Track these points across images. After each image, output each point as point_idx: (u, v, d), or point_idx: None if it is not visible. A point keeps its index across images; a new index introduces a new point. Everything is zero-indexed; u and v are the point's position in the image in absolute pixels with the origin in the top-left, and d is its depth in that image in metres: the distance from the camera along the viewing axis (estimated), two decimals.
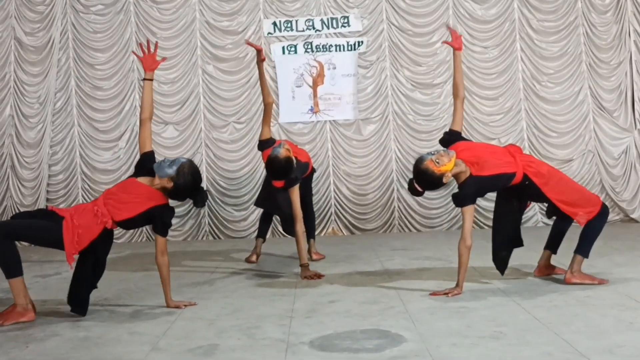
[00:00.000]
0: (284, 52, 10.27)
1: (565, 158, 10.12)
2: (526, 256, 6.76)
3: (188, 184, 5.56)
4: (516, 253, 6.26)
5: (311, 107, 10.26)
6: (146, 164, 5.68)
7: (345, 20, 10.23)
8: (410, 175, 5.96)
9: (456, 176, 5.77)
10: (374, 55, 10.27)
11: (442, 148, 5.89)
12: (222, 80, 10.31)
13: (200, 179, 5.77)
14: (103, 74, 10.30)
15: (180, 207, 10.12)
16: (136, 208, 5.49)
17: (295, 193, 6.99)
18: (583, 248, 5.99)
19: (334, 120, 10.27)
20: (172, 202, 5.70)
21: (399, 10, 10.22)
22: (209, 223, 10.24)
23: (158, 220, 5.56)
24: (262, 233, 8.03)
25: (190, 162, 5.66)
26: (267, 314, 5.35)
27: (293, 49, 10.25)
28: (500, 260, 6.14)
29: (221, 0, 10.31)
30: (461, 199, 5.75)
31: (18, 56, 10.29)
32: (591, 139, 10.15)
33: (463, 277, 5.77)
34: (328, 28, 10.25)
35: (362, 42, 10.24)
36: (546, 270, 6.32)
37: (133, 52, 9.71)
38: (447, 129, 6.28)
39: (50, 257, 8.42)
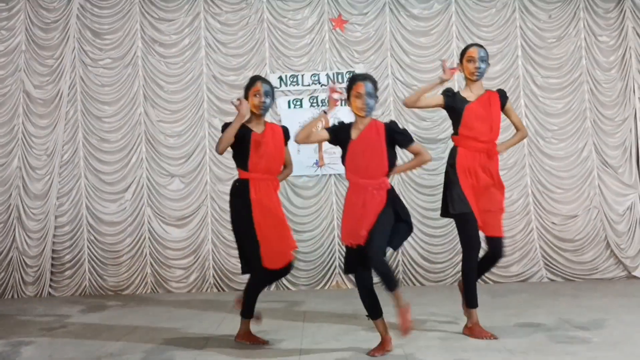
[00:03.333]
0: (289, 106, 10.34)
1: (570, 214, 10.14)
2: (527, 311, 6.74)
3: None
4: (518, 307, 6.22)
5: (316, 160, 10.30)
6: None
7: (351, 75, 10.27)
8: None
9: None
10: (379, 110, 10.27)
11: None
12: None
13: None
14: (110, 127, 10.35)
15: (184, 260, 10.14)
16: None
17: None
18: None
19: (338, 174, 10.29)
20: None
21: (404, 65, 10.31)
22: (213, 275, 10.21)
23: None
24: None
25: None
26: None
27: (299, 103, 10.33)
28: None
29: (228, 55, 10.42)
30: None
31: (26, 109, 10.33)
32: (596, 195, 10.17)
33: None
34: (334, 82, 10.31)
35: None
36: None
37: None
38: None
39: (55, 311, 8.41)
